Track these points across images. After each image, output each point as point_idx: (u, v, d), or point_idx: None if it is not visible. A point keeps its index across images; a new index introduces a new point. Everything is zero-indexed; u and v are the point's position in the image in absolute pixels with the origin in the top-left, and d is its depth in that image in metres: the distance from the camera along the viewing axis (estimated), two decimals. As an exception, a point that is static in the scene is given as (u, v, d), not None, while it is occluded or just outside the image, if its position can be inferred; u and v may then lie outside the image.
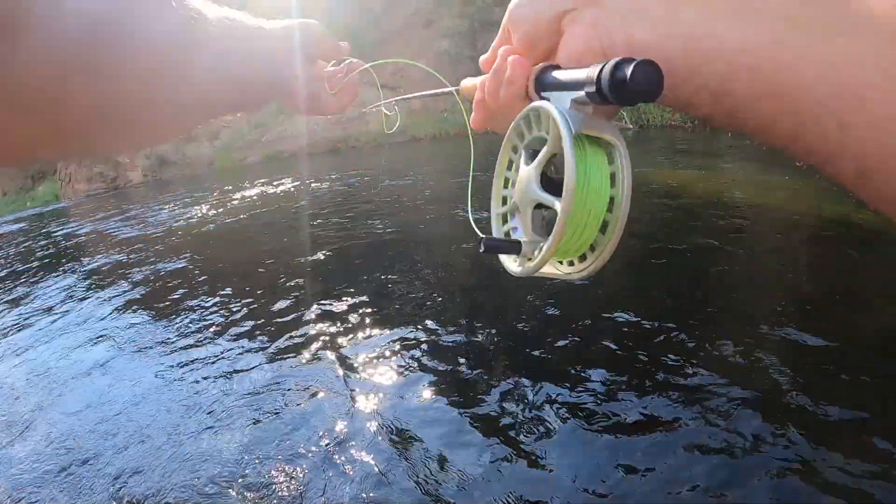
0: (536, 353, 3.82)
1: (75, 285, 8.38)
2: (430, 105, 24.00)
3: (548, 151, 0.44)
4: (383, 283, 5.47)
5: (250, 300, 5.77)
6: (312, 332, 4.67)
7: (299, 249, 7.41)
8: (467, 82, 0.60)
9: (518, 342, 4.01)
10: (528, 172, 0.46)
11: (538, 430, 3.04)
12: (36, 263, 11.74)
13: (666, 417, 2.98)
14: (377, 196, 9.67)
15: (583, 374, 3.46)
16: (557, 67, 0.45)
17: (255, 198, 14.02)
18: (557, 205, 0.41)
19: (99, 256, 10.84)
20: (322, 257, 6.80)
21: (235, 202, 14.04)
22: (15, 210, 49.87)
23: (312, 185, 14.22)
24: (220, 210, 13.12)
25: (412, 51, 27.31)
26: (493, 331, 4.23)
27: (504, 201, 0.53)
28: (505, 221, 0.52)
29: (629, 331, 3.93)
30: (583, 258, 0.46)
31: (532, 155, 0.47)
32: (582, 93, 0.40)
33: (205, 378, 4.23)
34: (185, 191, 21.19)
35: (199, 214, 13.12)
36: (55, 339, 5.91)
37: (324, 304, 5.15)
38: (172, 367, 4.56)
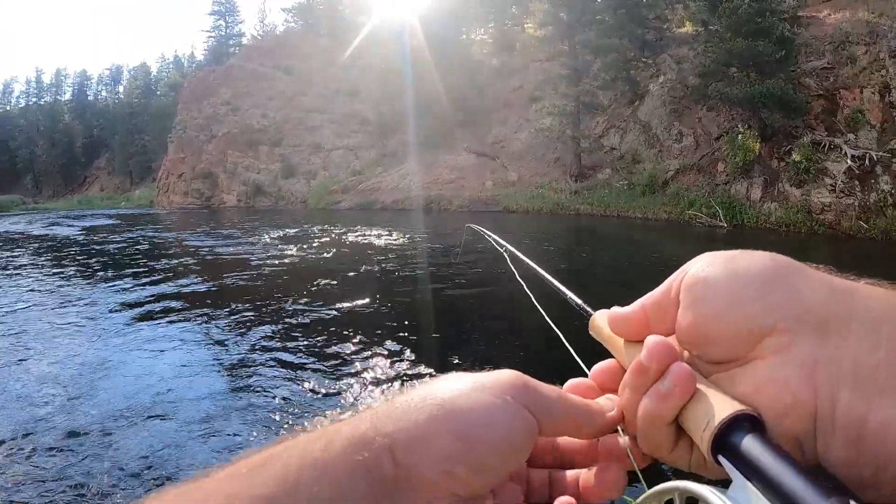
0: None
1: (145, 283, 9.71)
2: (527, 179, 25.14)
3: None
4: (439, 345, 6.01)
5: (300, 325, 6.64)
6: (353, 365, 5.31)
7: (367, 296, 7.95)
8: (601, 322, 0.46)
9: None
10: None
11: None
12: (116, 257, 13.68)
13: None
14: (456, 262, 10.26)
15: None
16: (756, 423, 0.32)
17: (338, 240, 15.05)
18: None
19: (173, 261, 12.49)
20: (391, 310, 7.34)
21: (319, 240, 15.14)
22: (110, 206, 54.48)
23: (399, 239, 15.04)
24: (303, 244, 14.28)
25: (514, 124, 28.84)
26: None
27: None
28: None
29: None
30: None
31: None
32: None
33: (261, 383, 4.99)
34: (273, 221, 23.44)
35: (282, 245, 14.42)
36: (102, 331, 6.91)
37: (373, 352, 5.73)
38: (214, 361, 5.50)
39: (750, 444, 0.31)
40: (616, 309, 0.43)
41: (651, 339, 0.37)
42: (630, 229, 17.29)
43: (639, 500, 0.35)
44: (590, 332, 0.48)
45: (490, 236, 1.11)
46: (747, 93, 18.07)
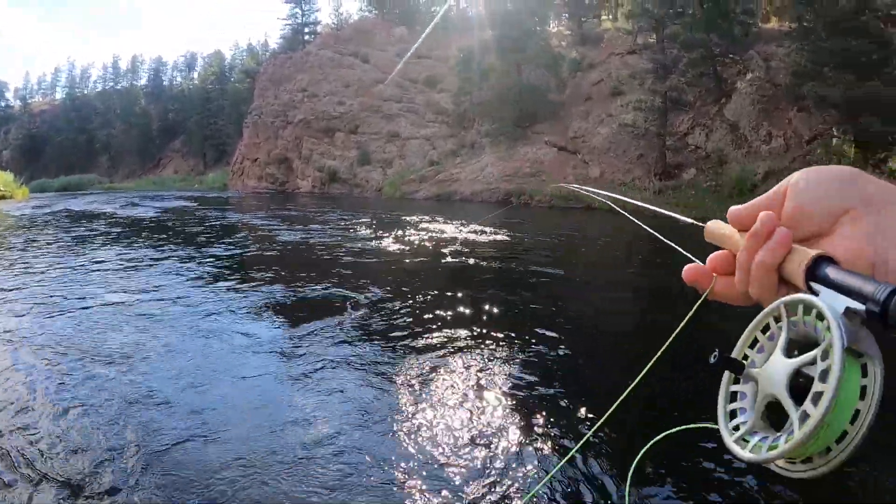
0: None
1: (214, 262, 10.32)
2: (609, 175, 25.28)
3: (812, 357, 0.46)
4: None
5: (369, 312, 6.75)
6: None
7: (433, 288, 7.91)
8: (715, 226, 0.62)
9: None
10: (781, 366, 0.49)
11: None
12: (186, 237, 14.78)
13: None
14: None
15: None
16: (832, 261, 0.48)
17: (413, 231, 14.95)
18: (794, 414, 0.45)
19: (238, 242, 13.35)
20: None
21: (393, 230, 15.11)
22: (183, 188, 57.14)
23: (473, 235, 14.54)
24: (374, 232, 14.62)
25: (595, 118, 29.11)
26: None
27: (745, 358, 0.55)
28: (737, 382, 0.55)
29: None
30: (808, 460, 0.46)
31: (788, 346, 0.50)
32: (860, 306, 0.42)
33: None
34: (346, 208, 24.10)
35: (354, 231, 14.97)
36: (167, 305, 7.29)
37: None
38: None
39: (831, 270, 0.47)
40: (735, 206, 0.58)
41: (762, 213, 0.53)
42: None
43: (774, 304, 0.52)
44: (705, 239, 0.63)
45: (588, 190, 1.19)
46: (848, 96, 17.68)
